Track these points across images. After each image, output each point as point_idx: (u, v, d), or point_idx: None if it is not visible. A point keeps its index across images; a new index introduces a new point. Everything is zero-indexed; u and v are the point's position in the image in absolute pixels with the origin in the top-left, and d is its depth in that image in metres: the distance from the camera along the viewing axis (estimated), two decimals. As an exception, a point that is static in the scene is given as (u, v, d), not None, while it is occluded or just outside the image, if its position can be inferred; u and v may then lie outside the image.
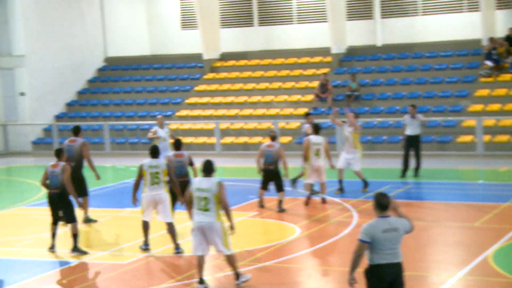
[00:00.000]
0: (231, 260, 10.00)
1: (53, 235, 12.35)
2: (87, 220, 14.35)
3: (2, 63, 26.70)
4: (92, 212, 14.84)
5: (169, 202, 12.06)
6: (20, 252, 12.52)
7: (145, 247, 12.15)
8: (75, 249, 12.18)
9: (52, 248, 12.34)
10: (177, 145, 13.10)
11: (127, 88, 28.97)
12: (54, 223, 12.30)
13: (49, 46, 27.92)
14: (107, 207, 15.93)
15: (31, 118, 27.31)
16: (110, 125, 26.29)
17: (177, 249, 11.94)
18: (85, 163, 14.17)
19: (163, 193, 11.94)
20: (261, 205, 15.18)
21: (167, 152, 16.76)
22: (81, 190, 14.08)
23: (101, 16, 30.51)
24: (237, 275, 10.07)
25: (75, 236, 12.20)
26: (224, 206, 9.88)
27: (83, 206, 14.26)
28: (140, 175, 11.95)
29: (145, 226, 12.11)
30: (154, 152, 11.97)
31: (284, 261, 11.39)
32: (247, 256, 11.48)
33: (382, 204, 7.46)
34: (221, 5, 29.90)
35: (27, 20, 27.03)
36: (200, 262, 9.98)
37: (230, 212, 9.99)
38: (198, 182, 9.95)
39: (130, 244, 12.66)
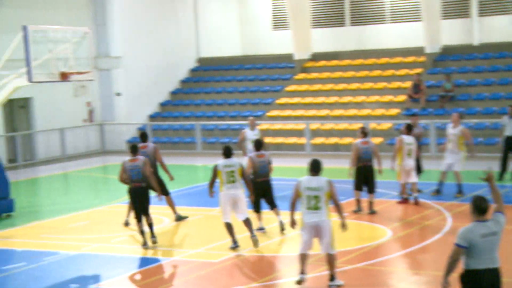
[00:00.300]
0: (332, 259, 9.97)
1: (142, 232, 12.64)
2: (179, 218, 14.59)
3: (100, 64, 27.56)
4: (183, 211, 15.08)
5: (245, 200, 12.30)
6: (116, 248, 12.85)
7: (234, 245, 12.25)
8: (153, 235, 12.66)
9: (145, 245, 12.61)
10: (258, 145, 13.25)
11: (219, 89, 29.31)
12: (140, 220, 12.61)
13: (144, 48, 28.61)
14: (198, 206, 16.13)
15: (126, 117, 28.06)
16: (201, 125, 26.67)
17: (253, 236, 12.19)
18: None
19: (240, 192, 12.15)
20: (359, 208, 14.80)
21: None
22: (163, 190, 14.26)
23: (194, 17, 31.02)
24: (332, 277, 10.01)
25: (151, 225, 12.70)
26: (336, 203, 9.95)
27: (170, 204, 14.50)
28: (215, 176, 12.21)
29: (229, 227, 12.26)
30: (227, 153, 12.23)
31: (375, 263, 11.20)
32: (338, 258, 11.36)
33: (481, 207, 7.19)
34: (312, 5, 29.80)
35: (124, 22, 27.79)
36: (304, 258, 9.97)
37: (342, 209, 10.02)
38: (307, 181, 9.93)
39: (220, 242, 12.76)
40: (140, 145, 14.28)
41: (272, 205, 13.20)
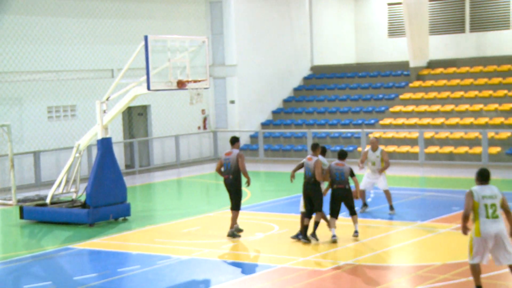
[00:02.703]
0: None
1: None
2: (231, 235, 14.13)
3: (216, 72, 28.14)
4: (292, 218, 15.09)
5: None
6: (226, 254, 13.02)
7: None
8: (313, 234, 13.53)
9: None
10: (342, 155, 13.79)
11: (332, 96, 29.20)
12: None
13: (258, 56, 28.94)
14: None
15: (239, 125, 28.48)
16: (313, 133, 26.65)
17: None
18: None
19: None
20: None
21: (376, 176, 16.00)
22: (236, 206, 14.03)
23: (309, 25, 31.09)
24: None
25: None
26: (508, 210, 9.69)
27: (232, 219, 14.17)
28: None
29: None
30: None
31: (489, 277, 10.77)
32: (450, 270, 11.03)
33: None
34: (431, 11, 29.15)
35: (240, 31, 28.21)
36: (479, 270, 9.73)
37: None
38: (480, 190, 9.67)
39: (329, 251, 12.66)
40: (227, 151, 14.13)
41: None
